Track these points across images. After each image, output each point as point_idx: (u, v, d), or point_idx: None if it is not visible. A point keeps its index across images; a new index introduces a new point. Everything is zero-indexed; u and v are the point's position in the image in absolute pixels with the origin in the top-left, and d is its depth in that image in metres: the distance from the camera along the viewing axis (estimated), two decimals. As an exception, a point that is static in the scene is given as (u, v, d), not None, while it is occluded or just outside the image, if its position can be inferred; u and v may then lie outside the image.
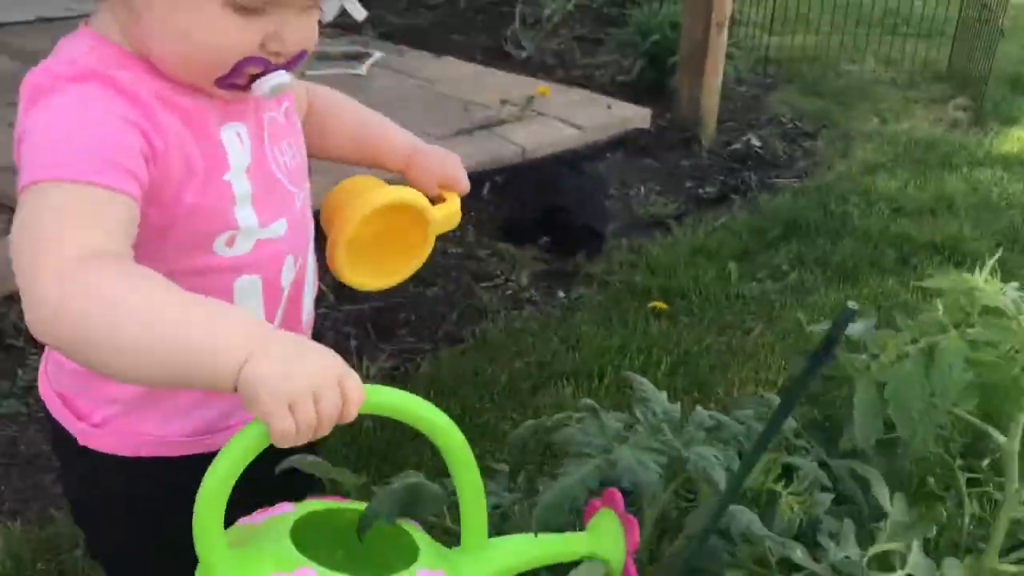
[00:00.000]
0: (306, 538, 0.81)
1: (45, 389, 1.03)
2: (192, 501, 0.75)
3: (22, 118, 0.86)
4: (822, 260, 2.92)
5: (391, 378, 2.29)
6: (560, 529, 0.89)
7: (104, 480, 1.03)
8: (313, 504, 0.88)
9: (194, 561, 0.78)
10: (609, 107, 4.03)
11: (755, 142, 4.08)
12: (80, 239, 0.78)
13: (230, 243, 0.93)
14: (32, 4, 5.22)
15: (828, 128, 4.28)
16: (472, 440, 0.83)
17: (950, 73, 4.96)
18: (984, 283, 0.98)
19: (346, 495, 0.98)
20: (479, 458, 0.83)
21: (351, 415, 0.75)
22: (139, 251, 0.85)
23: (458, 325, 2.59)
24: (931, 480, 1.13)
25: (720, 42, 3.92)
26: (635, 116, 4.00)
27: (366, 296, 2.66)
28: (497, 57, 4.89)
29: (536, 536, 0.89)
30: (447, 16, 5.60)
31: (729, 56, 4.63)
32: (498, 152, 3.44)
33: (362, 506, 0.89)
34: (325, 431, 0.74)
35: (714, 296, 2.71)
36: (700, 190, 3.62)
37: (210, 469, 0.74)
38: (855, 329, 1.11)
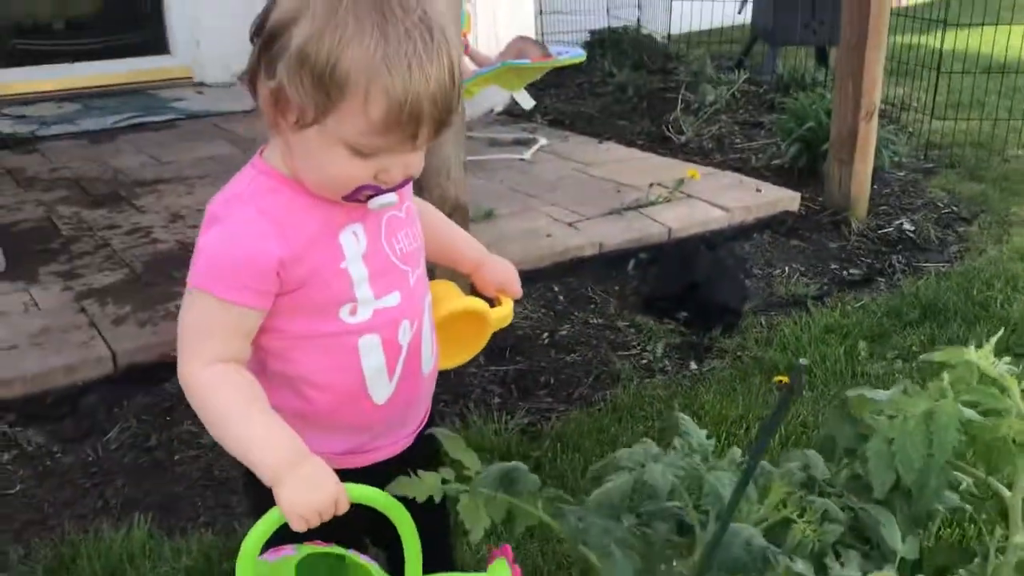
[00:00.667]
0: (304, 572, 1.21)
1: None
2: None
3: (199, 238, 1.23)
4: (954, 342, 2.98)
5: (524, 432, 2.56)
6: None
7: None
8: (310, 548, 1.24)
9: None
10: (759, 190, 4.21)
11: (907, 226, 4.13)
12: (212, 348, 1.19)
13: (353, 312, 1.25)
14: (247, 97, 5.96)
15: (986, 213, 4.27)
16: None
17: None
18: (979, 358, 1.15)
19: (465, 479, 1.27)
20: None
21: (343, 511, 1.16)
22: (281, 317, 1.23)
23: (592, 389, 2.84)
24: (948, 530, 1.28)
25: (869, 130, 4.03)
26: (784, 199, 4.16)
27: (512, 359, 2.97)
28: (657, 142, 5.17)
29: None
30: (613, 103, 5.95)
31: (889, 142, 4.72)
32: (645, 231, 3.69)
33: (348, 552, 1.25)
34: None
35: (839, 372, 2.83)
36: (844, 272, 3.73)
37: (250, 533, 1.15)
38: (883, 394, 1.29)
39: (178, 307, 3.05)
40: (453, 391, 2.76)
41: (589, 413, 2.66)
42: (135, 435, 2.55)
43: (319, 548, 1.26)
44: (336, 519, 1.24)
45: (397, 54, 1.07)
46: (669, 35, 7.09)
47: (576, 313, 3.29)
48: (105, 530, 2.14)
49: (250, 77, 1.17)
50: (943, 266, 3.72)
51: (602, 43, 6.71)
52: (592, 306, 3.35)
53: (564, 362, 2.99)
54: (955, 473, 1.33)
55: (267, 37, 1.12)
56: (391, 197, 1.23)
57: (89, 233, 3.65)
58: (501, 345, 3.02)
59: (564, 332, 3.16)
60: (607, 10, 7.33)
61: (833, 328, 3.14)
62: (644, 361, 3.01)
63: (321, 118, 1.11)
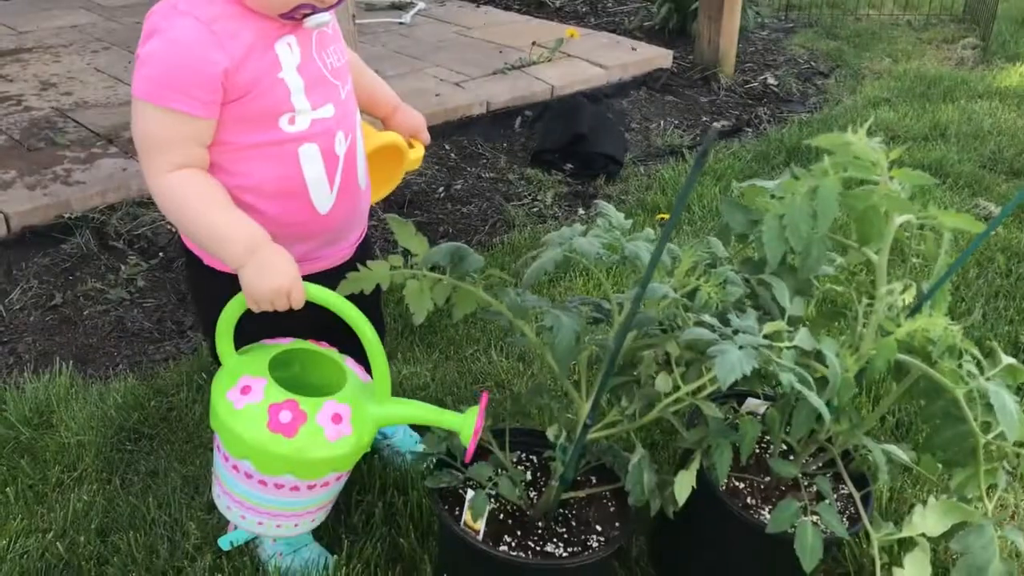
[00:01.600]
0: (283, 357, 1.38)
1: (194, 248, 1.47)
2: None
3: (139, 49, 1.28)
4: (817, 180, 3.24)
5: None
6: (537, 291, 1.30)
7: (218, 287, 1.45)
8: (302, 343, 1.41)
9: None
10: (634, 49, 4.35)
11: (771, 81, 4.38)
12: (171, 157, 1.27)
13: (291, 121, 1.34)
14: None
15: (841, 68, 4.56)
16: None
17: (965, 15, 5.18)
18: (856, 139, 1.33)
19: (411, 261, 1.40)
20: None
21: (296, 307, 1.30)
22: (227, 129, 1.30)
23: (489, 235, 2.98)
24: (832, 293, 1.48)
25: (736, -13, 4.21)
26: (658, 57, 4.32)
27: (411, 213, 3.06)
28: (533, 6, 5.23)
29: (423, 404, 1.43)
30: (487, -31, 5.93)
31: (753, 2, 4.93)
32: (529, 89, 3.80)
33: (334, 354, 1.42)
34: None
35: (715, 209, 3.06)
36: (716, 123, 3.95)
37: (220, 318, 1.34)
38: (772, 183, 1.47)
39: (66, 171, 3.00)
40: (356, 240, 2.84)
41: (489, 255, 2.80)
42: (38, 295, 2.55)
43: (312, 345, 1.41)
44: (291, 324, 1.37)
45: None
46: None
47: (468, 168, 3.39)
48: (26, 379, 2.16)
49: None
50: (805, 115, 3.99)
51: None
52: (483, 161, 3.46)
53: (461, 213, 3.11)
54: (830, 254, 1.53)
55: None
56: (325, 16, 1.32)
57: (-46, 103, 3.48)
58: (399, 200, 3.11)
59: (459, 186, 3.27)
60: None
61: (707, 172, 3.36)
62: (536, 209, 3.16)
63: None
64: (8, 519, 1.75)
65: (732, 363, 1.11)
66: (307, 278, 1.43)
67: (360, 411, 1.37)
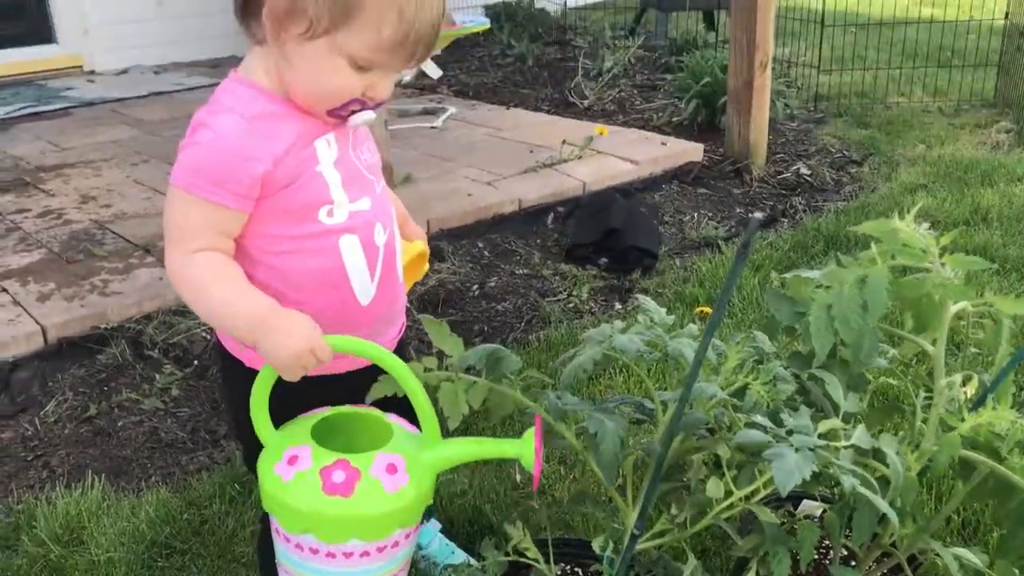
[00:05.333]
0: (325, 429, 1.31)
1: (228, 346, 1.44)
2: (306, 404, 1.33)
3: (183, 142, 1.29)
4: (858, 268, 3.17)
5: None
6: (576, 390, 1.24)
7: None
8: (341, 409, 1.35)
9: None
10: (664, 143, 4.37)
11: (804, 171, 4.36)
12: (194, 243, 1.27)
13: (330, 214, 1.34)
14: (147, 83, 5.86)
15: (875, 155, 4.54)
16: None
17: (996, 100, 5.17)
18: (903, 225, 1.28)
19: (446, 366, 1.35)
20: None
21: (325, 361, 1.25)
22: (269, 223, 1.31)
23: (525, 332, 2.93)
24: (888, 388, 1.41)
25: (764, 81, 4.24)
26: (688, 151, 4.33)
27: (445, 312, 3.03)
28: (561, 107, 5.30)
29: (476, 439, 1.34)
30: (515, 73, 6.06)
31: (781, 94, 4.96)
32: (561, 186, 3.81)
33: (374, 412, 1.35)
34: (313, 370, 1.25)
35: (756, 300, 3.00)
36: (750, 214, 3.92)
37: (252, 396, 1.29)
38: (817, 272, 1.42)
39: (103, 281, 3.03)
40: (391, 343, 2.81)
41: (525, 353, 2.75)
42: (73, 407, 2.53)
43: (351, 409, 1.36)
44: (331, 393, 1.34)
45: None
46: (565, 6, 7.22)
47: (502, 266, 3.38)
48: (58, 494, 2.12)
49: None
50: (840, 203, 3.95)
51: (498, 16, 6.80)
52: (517, 258, 3.44)
53: (496, 311, 3.08)
54: (883, 345, 1.47)
55: None
56: (370, 115, 1.33)
57: (-2, 218, 3.56)
58: (433, 300, 3.09)
59: (493, 283, 3.25)
60: (501, -16, 7.43)
61: (746, 263, 3.30)
62: (571, 305, 3.12)
63: (333, 30, 1.21)
64: (34, 643, 1.69)
65: (791, 467, 1.04)
66: (349, 375, 1.40)
67: (413, 459, 1.30)
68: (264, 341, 1.24)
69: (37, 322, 2.71)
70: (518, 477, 2.15)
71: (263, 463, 1.30)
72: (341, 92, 1.26)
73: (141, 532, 1.98)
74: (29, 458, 2.34)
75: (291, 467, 1.26)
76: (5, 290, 2.92)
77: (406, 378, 1.27)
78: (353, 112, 1.31)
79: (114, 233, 3.37)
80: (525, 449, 1.29)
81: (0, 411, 2.51)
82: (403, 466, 1.27)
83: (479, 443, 1.35)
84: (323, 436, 1.31)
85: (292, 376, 1.24)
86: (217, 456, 2.32)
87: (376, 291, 1.40)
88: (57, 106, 5.39)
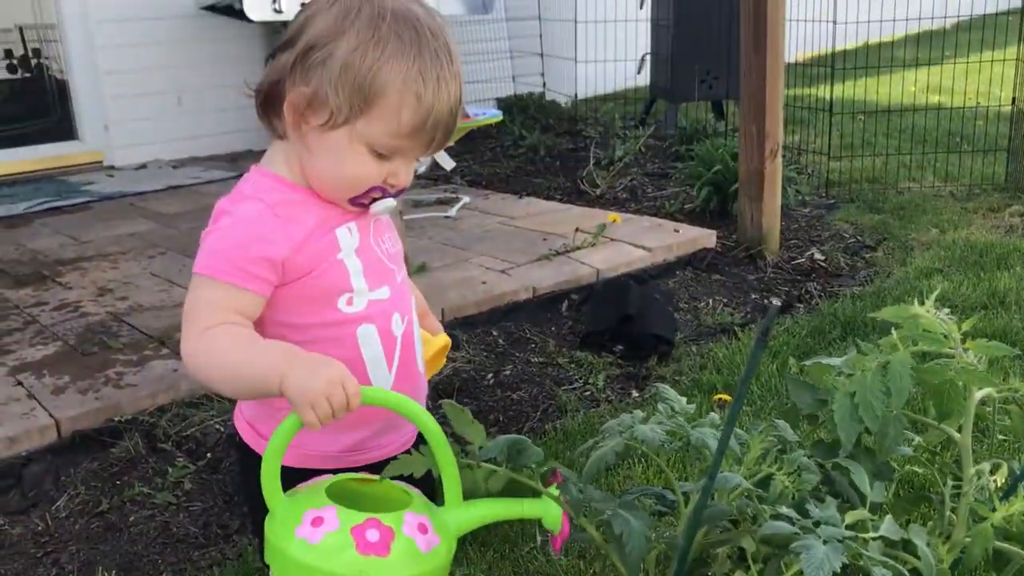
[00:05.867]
0: (336, 494, 1.23)
1: (239, 420, 1.44)
2: None
3: (205, 232, 1.30)
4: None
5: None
6: (598, 481, 1.21)
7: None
8: (346, 476, 1.29)
9: None
10: (676, 230, 4.39)
11: (818, 256, 4.36)
12: (213, 319, 1.25)
13: (349, 302, 1.33)
14: (165, 177, 5.97)
15: (888, 240, 4.54)
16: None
17: (1007, 184, 5.19)
18: (923, 311, 1.27)
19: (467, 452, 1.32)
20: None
21: (355, 405, 1.17)
22: (288, 310, 1.30)
23: (541, 421, 2.90)
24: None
25: (775, 168, 4.27)
26: (701, 237, 4.35)
27: (460, 400, 3.01)
28: (573, 195, 5.35)
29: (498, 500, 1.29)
30: (527, 163, 6.14)
31: (792, 181, 5.00)
32: (574, 273, 3.82)
33: (385, 481, 1.29)
34: (341, 416, 1.17)
35: (774, 387, 2.96)
36: (765, 300, 3.90)
37: (268, 445, 1.19)
38: (838, 360, 1.40)
39: (118, 374, 3.03)
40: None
41: (542, 443, 2.72)
42: (85, 501, 2.50)
43: (359, 476, 1.31)
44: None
45: (429, 69, 1.22)
46: (576, 98, 7.35)
47: (517, 354, 3.36)
48: (66, 593, 2.09)
49: (267, 87, 1.29)
50: (856, 288, 3.94)
51: (510, 109, 6.92)
52: (532, 346, 3.43)
53: (511, 399, 3.05)
54: (907, 432, 1.44)
55: (305, 48, 1.24)
56: (391, 202, 1.33)
57: (16, 311, 3.57)
58: (447, 388, 3.07)
59: (508, 372, 3.23)
60: (512, 78, 7.58)
61: (764, 349, 3.28)
62: (588, 393, 3.09)
63: (353, 120, 1.23)
64: None
65: (819, 559, 1.01)
66: (363, 469, 1.36)
67: (438, 519, 1.24)
68: (293, 373, 1.16)
69: (51, 415, 2.70)
70: (539, 538, 2.11)
71: (279, 529, 1.20)
72: (362, 180, 1.28)
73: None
74: (39, 555, 2.30)
75: (317, 529, 1.18)
76: (20, 383, 2.92)
77: (438, 439, 1.22)
78: (374, 200, 1.31)
79: (130, 325, 3.39)
80: (547, 510, 1.26)
81: (12, 507, 2.48)
82: (432, 526, 1.22)
83: (501, 504, 1.30)
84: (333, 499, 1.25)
85: (315, 413, 1.15)
86: (229, 552, 2.28)
87: (393, 381, 1.38)
88: (77, 200, 5.47)
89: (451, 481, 1.26)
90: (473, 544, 2.19)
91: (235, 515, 2.41)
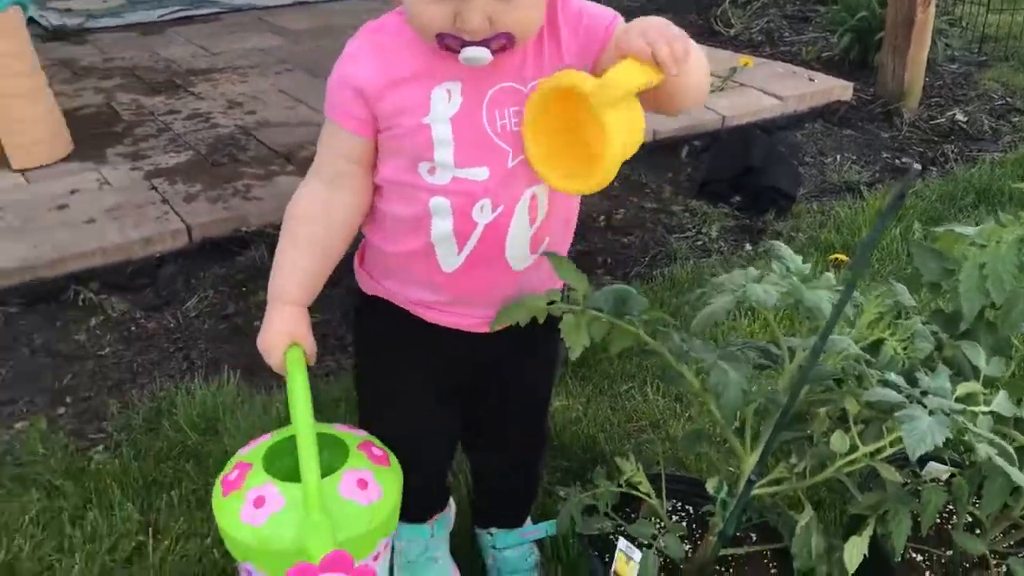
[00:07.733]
0: (277, 452, 1.33)
1: (357, 263, 1.48)
2: (400, 346, 1.44)
3: None
4: (1010, 224, 3.00)
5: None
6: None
7: (370, 314, 1.48)
8: (285, 431, 1.36)
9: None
10: (811, 79, 4.19)
11: (960, 117, 4.11)
12: (318, 162, 1.30)
13: (431, 172, 1.25)
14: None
15: (1040, 104, 4.24)
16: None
17: None
18: (1072, 185, 1.20)
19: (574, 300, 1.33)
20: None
21: (276, 368, 1.35)
22: (382, 160, 1.29)
23: (649, 268, 2.90)
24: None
25: (926, 17, 3.99)
26: (837, 88, 4.14)
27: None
28: (706, 35, 5.12)
29: None
30: (659, -3, 5.88)
31: (943, 34, 4.66)
32: (699, 119, 3.71)
33: (319, 426, 1.33)
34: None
35: (896, 252, 2.88)
36: (897, 160, 3.74)
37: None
38: (972, 229, 1.35)
39: (246, 186, 3.12)
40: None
41: (648, 288, 2.73)
42: (213, 303, 2.66)
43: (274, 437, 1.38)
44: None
45: None
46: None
47: (631, 198, 3.33)
48: (196, 386, 2.25)
49: None
50: (997, 155, 3.72)
51: (645, -63, 6.56)
52: (647, 191, 3.39)
53: (621, 243, 3.05)
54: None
55: None
56: (478, 52, 1.15)
57: (151, 118, 3.71)
58: (560, 225, 3.08)
59: (620, 216, 3.22)
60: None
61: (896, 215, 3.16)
62: (700, 242, 3.06)
63: None
64: (170, 522, 1.82)
65: (922, 432, 1.01)
66: (435, 328, 1.40)
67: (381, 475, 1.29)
68: (265, 317, 1.35)
69: (183, 220, 2.84)
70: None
71: (226, 516, 1.25)
72: (427, 22, 1.15)
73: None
74: (171, 349, 2.48)
75: (259, 510, 1.22)
76: (155, 188, 3.06)
77: (297, 417, 1.25)
78: (461, 46, 1.15)
79: (257, 139, 3.48)
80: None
81: (148, 303, 2.66)
82: (373, 478, 1.27)
83: None
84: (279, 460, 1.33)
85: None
86: (344, 362, 2.40)
87: (462, 265, 1.30)
88: (208, 11, 5.55)
89: (306, 482, 1.20)
90: (574, 379, 2.26)
91: (351, 328, 2.53)
